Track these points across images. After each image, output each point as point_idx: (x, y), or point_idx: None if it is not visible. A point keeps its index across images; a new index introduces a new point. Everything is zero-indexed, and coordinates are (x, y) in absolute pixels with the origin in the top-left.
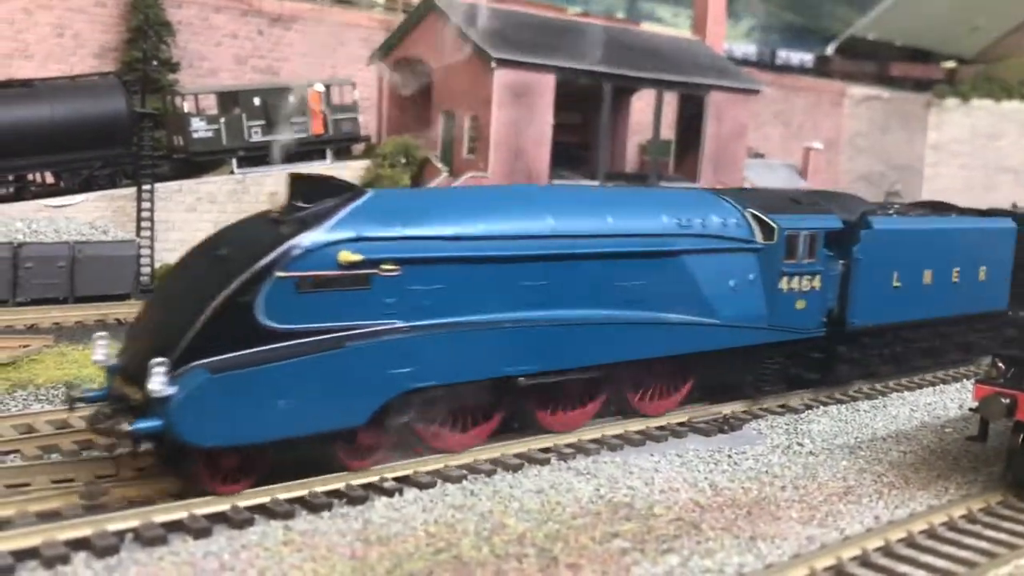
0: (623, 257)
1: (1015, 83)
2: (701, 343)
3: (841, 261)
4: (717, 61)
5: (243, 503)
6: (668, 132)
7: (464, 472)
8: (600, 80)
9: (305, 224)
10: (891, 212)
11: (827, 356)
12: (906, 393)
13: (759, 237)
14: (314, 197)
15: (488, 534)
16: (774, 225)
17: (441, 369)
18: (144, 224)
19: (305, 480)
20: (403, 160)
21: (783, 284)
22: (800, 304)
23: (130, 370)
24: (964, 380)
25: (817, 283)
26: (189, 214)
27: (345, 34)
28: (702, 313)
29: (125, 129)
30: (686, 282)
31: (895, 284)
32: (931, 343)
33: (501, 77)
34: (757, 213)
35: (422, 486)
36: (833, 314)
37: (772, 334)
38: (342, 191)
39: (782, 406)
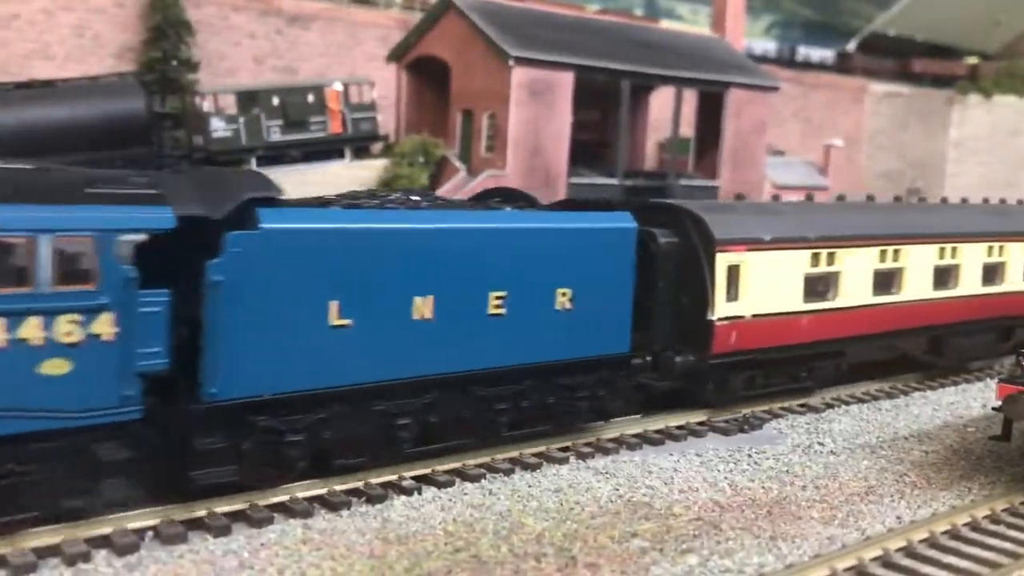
0: None
1: None
2: None
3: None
4: (736, 58)
5: (262, 501)
6: (687, 130)
7: (483, 471)
8: (618, 78)
9: None
10: (358, 201)
11: (164, 454)
12: (928, 392)
13: None
14: None
15: (507, 533)
16: None
17: None
18: None
19: (324, 479)
20: (421, 159)
21: None
22: (56, 367)
23: None
24: (988, 380)
25: (107, 327)
26: None
27: (363, 33)
28: None
29: (144, 129)
30: None
31: (335, 322)
32: (443, 416)
33: (519, 75)
34: None
35: (441, 485)
36: (172, 381)
37: None
38: None
39: (803, 405)
